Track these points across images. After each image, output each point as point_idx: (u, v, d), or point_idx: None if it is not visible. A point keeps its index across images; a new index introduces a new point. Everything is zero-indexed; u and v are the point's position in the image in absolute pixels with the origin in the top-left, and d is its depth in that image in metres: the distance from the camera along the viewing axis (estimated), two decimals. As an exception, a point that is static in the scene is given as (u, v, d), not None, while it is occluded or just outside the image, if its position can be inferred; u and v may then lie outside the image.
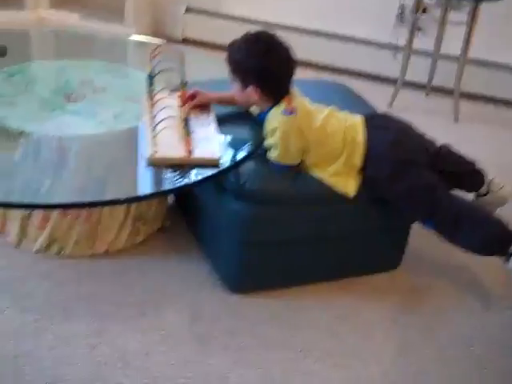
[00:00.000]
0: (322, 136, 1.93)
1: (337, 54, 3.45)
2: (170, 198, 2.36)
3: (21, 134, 1.87)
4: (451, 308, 2.09)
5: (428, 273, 2.23)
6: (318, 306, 2.03)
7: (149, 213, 2.18)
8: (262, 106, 1.95)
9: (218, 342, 1.87)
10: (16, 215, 2.07)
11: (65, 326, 1.86)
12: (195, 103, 2.03)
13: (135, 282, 2.05)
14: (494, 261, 2.05)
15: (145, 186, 1.76)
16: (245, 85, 1.92)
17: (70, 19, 3.62)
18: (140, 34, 3.27)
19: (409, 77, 3.44)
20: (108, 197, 1.71)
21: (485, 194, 2.17)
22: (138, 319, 1.91)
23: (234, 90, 1.97)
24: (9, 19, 3.42)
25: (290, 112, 1.88)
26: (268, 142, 1.93)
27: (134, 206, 2.11)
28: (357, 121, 2.00)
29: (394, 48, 3.52)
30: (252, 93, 1.92)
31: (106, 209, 2.06)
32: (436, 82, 3.52)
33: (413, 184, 1.94)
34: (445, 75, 3.45)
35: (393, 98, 3.40)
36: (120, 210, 2.09)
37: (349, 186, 1.94)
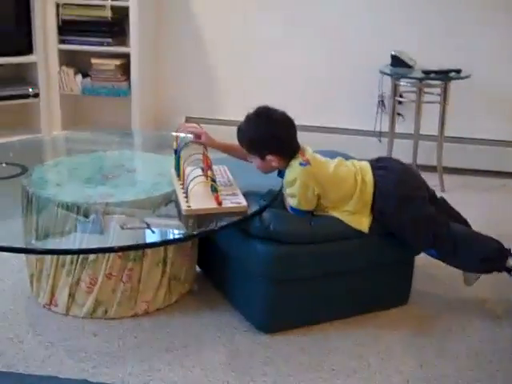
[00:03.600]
0: (336, 180, 2.39)
1: (328, 144, 3.99)
2: (197, 267, 2.77)
3: (72, 205, 2.32)
4: (460, 329, 2.47)
5: (434, 305, 2.63)
6: (341, 337, 2.40)
7: (181, 273, 2.58)
8: (281, 166, 2.41)
9: (256, 371, 2.21)
10: (65, 283, 2.46)
11: (118, 369, 2.20)
12: (200, 142, 2.52)
13: (175, 333, 2.41)
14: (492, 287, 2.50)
15: (182, 233, 2.21)
16: (263, 156, 2.38)
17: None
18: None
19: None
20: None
21: None
22: (182, 359, 2.26)
23: (255, 164, 2.43)
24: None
25: (306, 163, 2.34)
26: (288, 191, 2.38)
27: (169, 266, 2.51)
28: (364, 164, 2.48)
29: (379, 134, 4.10)
30: (272, 161, 2.37)
31: (145, 270, 2.45)
32: (420, 160, 4.06)
33: (416, 215, 2.39)
34: (427, 153, 3.99)
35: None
36: (157, 270, 2.48)
37: (363, 222, 2.39)
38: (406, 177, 2.48)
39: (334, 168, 2.42)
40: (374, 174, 2.42)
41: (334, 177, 2.40)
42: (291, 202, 2.38)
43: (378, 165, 2.48)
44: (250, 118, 2.40)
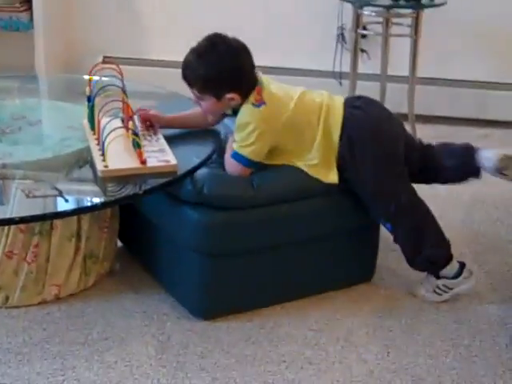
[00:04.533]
0: (297, 119, 2.39)
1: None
2: (119, 241, 2.76)
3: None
4: (432, 309, 2.54)
5: (403, 282, 2.68)
6: (294, 323, 2.44)
7: (99, 249, 2.57)
8: (237, 107, 2.39)
9: (192, 366, 2.23)
10: (-45, 265, 2.42)
11: (23, 368, 2.19)
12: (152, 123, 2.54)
13: (93, 322, 2.41)
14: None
15: (98, 199, 2.22)
16: (219, 95, 2.36)
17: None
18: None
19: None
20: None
21: None
22: (103, 354, 2.26)
23: (205, 107, 2.42)
24: None
25: (260, 103, 2.34)
26: (236, 136, 2.38)
27: (83, 242, 2.49)
28: (336, 99, 2.48)
29: (339, 75, 4.11)
30: (231, 99, 2.36)
31: (55, 246, 2.43)
32: (387, 106, 4.08)
33: (381, 180, 2.43)
34: (396, 98, 4.02)
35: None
36: (70, 246, 2.47)
37: (330, 174, 2.42)
38: (384, 125, 2.50)
39: (295, 103, 2.41)
40: (345, 113, 2.43)
41: (295, 114, 2.40)
42: (236, 146, 2.37)
43: (355, 104, 2.50)
44: (203, 51, 2.37)
